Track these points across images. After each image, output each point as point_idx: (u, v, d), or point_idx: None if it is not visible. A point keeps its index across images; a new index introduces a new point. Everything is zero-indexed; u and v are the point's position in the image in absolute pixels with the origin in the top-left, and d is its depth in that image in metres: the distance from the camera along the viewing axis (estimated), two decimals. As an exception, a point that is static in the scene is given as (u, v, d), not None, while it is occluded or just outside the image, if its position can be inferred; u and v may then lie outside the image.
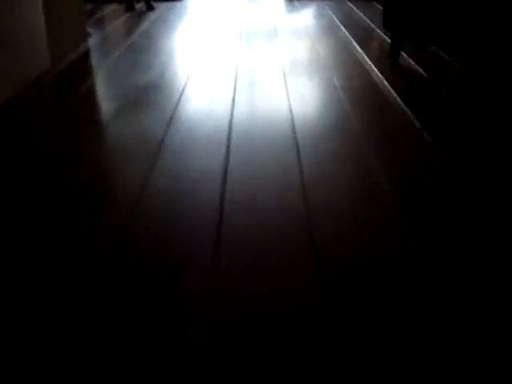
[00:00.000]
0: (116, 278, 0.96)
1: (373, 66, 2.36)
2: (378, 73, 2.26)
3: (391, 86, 2.08)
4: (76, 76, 2.28)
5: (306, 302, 0.89)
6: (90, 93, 2.06)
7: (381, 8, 3.49)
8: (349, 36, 2.92)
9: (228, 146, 1.53)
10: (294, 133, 1.63)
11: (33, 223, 1.13)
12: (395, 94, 1.98)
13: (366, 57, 2.52)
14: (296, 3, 4.14)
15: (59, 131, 1.65)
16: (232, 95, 1.99)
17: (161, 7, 3.84)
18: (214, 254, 1.02)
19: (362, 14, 3.52)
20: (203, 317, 0.86)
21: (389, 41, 2.80)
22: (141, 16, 3.58)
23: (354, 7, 3.80)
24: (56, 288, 0.93)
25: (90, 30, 3.05)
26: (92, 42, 2.80)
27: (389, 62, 2.44)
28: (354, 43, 2.76)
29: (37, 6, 2.14)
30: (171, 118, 1.75)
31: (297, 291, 0.92)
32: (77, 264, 1.00)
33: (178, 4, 3.99)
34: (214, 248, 1.04)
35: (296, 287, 0.93)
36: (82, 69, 2.39)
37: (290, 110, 1.83)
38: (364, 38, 2.90)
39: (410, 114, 1.79)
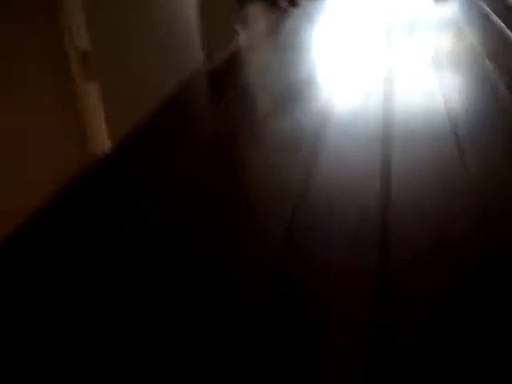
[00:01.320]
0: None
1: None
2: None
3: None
4: (230, 74, 2.39)
5: None
6: (245, 91, 2.15)
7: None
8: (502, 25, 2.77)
9: (385, 143, 1.54)
10: (455, 130, 1.60)
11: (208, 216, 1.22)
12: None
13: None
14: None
15: (219, 134, 1.74)
16: (383, 89, 1.98)
17: (303, 4, 3.88)
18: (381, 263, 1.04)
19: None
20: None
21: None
22: (284, 13, 3.65)
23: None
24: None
25: (237, 28, 3.17)
26: (241, 40, 2.91)
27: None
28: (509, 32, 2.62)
29: (192, 4, 2.26)
30: (326, 113, 1.79)
31: None
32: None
33: (319, 0, 4.01)
34: (379, 257, 1.06)
35: None
36: (235, 67, 2.50)
37: (446, 106, 1.79)
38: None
39: None
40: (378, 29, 3.10)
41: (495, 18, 2.97)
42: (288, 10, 3.72)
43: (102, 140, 1.57)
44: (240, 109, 1.94)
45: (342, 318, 0.89)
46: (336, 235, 1.12)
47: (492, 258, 1.02)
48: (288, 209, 1.24)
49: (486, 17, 3.07)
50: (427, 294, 0.93)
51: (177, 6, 2.13)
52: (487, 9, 3.23)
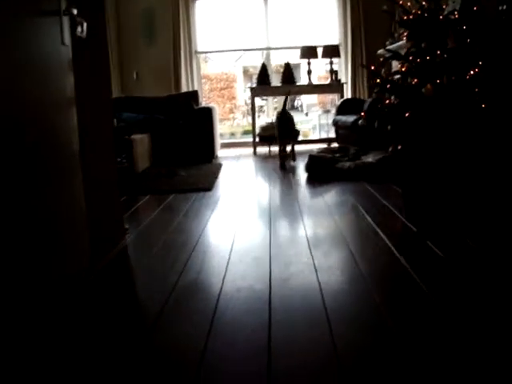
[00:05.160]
0: None
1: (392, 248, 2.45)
2: (397, 254, 2.34)
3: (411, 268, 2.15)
4: (115, 276, 2.39)
5: None
6: (130, 296, 2.15)
7: (398, 190, 3.67)
8: (369, 219, 3.06)
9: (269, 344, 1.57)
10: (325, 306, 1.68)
11: None
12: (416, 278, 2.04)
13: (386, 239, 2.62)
14: (318, 188, 4.39)
15: (101, 340, 1.71)
16: (268, 290, 2.06)
17: (191, 198, 4.08)
18: None
19: (380, 197, 3.71)
20: None
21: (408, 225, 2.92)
22: (173, 207, 3.81)
23: (371, 189, 4.01)
24: None
25: (126, 225, 3.25)
26: (129, 238, 2.97)
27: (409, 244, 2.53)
28: (374, 225, 2.89)
29: (80, 196, 2.30)
30: (211, 324, 1.81)
31: None
32: None
33: (207, 194, 4.24)
34: None
35: None
36: (121, 269, 2.52)
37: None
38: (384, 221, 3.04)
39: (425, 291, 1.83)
40: (260, 220, 3.31)
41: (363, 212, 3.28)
42: (176, 203, 3.88)
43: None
44: (124, 316, 1.93)
45: None
46: None
47: None
48: None
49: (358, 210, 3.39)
50: None
51: (64, 197, 2.16)
52: (358, 205, 3.57)
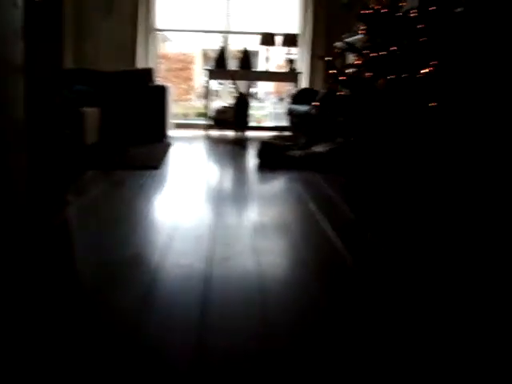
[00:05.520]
0: None
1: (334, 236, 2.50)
2: (337, 241, 2.39)
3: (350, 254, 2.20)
4: (52, 246, 2.35)
5: None
6: (65, 267, 2.12)
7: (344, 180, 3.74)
8: (313, 207, 3.11)
9: (203, 322, 1.58)
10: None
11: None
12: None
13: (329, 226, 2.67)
14: (268, 174, 4.41)
15: (35, 313, 1.68)
16: (205, 268, 2.07)
17: (138, 175, 4.04)
18: None
19: (326, 186, 3.76)
20: None
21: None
22: (119, 183, 3.76)
23: (319, 178, 4.07)
24: None
25: (69, 197, 3.18)
26: (71, 210, 2.91)
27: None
28: (318, 213, 2.94)
29: (22, 163, 2.25)
30: (146, 295, 1.81)
31: None
32: None
33: (155, 172, 4.20)
34: None
35: None
36: (59, 239, 2.47)
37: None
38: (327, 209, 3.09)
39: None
40: (204, 203, 3.31)
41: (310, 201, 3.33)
42: (124, 179, 3.84)
43: None
44: (61, 286, 1.90)
45: None
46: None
47: None
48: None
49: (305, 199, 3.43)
50: None
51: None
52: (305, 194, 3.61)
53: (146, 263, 2.17)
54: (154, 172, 4.19)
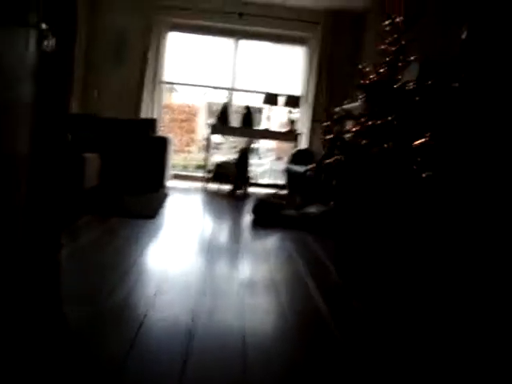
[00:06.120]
0: None
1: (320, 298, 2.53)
2: (322, 304, 2.43)
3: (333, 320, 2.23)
4: (43, 286, 2.37)
5: None
6: (54, 310, 2.14)
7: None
8: (302, 268, 3.15)
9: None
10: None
11: None
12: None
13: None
14: (261, 231, 4.47)
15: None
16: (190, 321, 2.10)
17: (133, 223, 4.09)
18: None
19: (317, 248, 3.81)
20: None
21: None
22: (113, 230, 3.81)
23: (311, 239, 4.12)
24: None
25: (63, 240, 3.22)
26: (64, 254, 2.95)
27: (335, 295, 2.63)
28: (306, 274, 2.98)
29: (19, 203, 2.30)
30: (132, 345, 1.83)
31: None
32: None
33: (150, 222, 4.26)
34: None
35: None
36: (50, 281, 2.50)
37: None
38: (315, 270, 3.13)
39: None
40: (197, 256, 3.35)
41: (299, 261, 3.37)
42: (119, 227, 3.88)
43: None
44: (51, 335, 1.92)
45: None
46: None
47: None
48: None
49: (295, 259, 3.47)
50: None
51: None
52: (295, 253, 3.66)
53: (132, 313, 2.20)
54: (149, 221, 4.24)
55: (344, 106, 5.04)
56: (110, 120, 6.71)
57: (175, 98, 10.61)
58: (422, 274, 3.00)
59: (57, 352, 1.75)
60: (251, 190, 6.91)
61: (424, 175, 3.16)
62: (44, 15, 2.30)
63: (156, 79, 7.49)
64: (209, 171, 7.07)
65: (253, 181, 7.15)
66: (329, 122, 3.81)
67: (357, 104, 5.60)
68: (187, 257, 3.30)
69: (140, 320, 2.09)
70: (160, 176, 6.42)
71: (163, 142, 6.43)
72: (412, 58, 3.64)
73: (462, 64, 3.30)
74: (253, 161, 7.46)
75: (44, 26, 2.24)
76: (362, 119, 3.53)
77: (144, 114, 7.34)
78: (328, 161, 3.55)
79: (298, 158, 6.69)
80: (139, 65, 7.31)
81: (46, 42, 2.44)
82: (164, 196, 5.84)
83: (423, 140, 3.24)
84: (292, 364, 1.84)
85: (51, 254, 2.81)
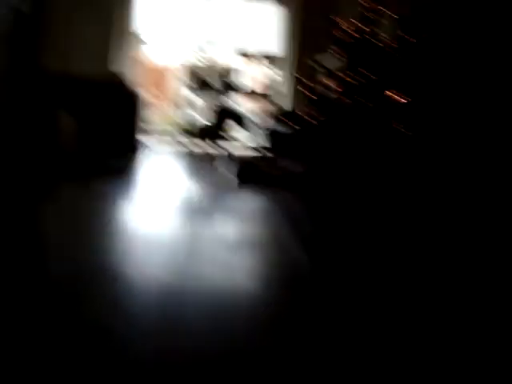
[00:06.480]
0: None
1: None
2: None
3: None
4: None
5: None
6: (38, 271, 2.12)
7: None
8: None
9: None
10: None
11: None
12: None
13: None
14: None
15: None
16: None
17: (112, 186, 4.04)
18: None
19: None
20: None
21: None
22: (92, 192, 3.77)
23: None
24: None
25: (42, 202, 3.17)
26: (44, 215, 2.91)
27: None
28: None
29: None
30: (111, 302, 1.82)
31: None
32: None
33: (127, 181, 4.21)
34: None
35: None
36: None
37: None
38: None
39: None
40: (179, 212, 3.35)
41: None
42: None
43: None
44: None
45: None
46: None
47: None
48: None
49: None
50: None
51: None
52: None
53: (111, 274, 2.18)
54: (125, 181, 4.19)
55: (317, 59, 4.88)
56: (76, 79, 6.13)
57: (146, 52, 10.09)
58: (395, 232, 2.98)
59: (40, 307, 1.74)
60: (234, 151, 6.85)
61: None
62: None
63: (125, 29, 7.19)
64: (190, 133, 6.97)
65: (236, 143, 7.10)
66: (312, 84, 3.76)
67: (333, 58, 5.49)
68: (164, 217, 3.28)
69: (119, 278, 2.08)
70: (131, 137, 6.03)
71: (133, 99, 5.97)
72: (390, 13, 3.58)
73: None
74: (233, 122, 7.39)
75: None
76: (341, 75, 3.48)
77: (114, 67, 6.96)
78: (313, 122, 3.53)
79: (281, 119, 6.63)
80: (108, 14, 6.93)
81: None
82: (142, 156, 5.69)
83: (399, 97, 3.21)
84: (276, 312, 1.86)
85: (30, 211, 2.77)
